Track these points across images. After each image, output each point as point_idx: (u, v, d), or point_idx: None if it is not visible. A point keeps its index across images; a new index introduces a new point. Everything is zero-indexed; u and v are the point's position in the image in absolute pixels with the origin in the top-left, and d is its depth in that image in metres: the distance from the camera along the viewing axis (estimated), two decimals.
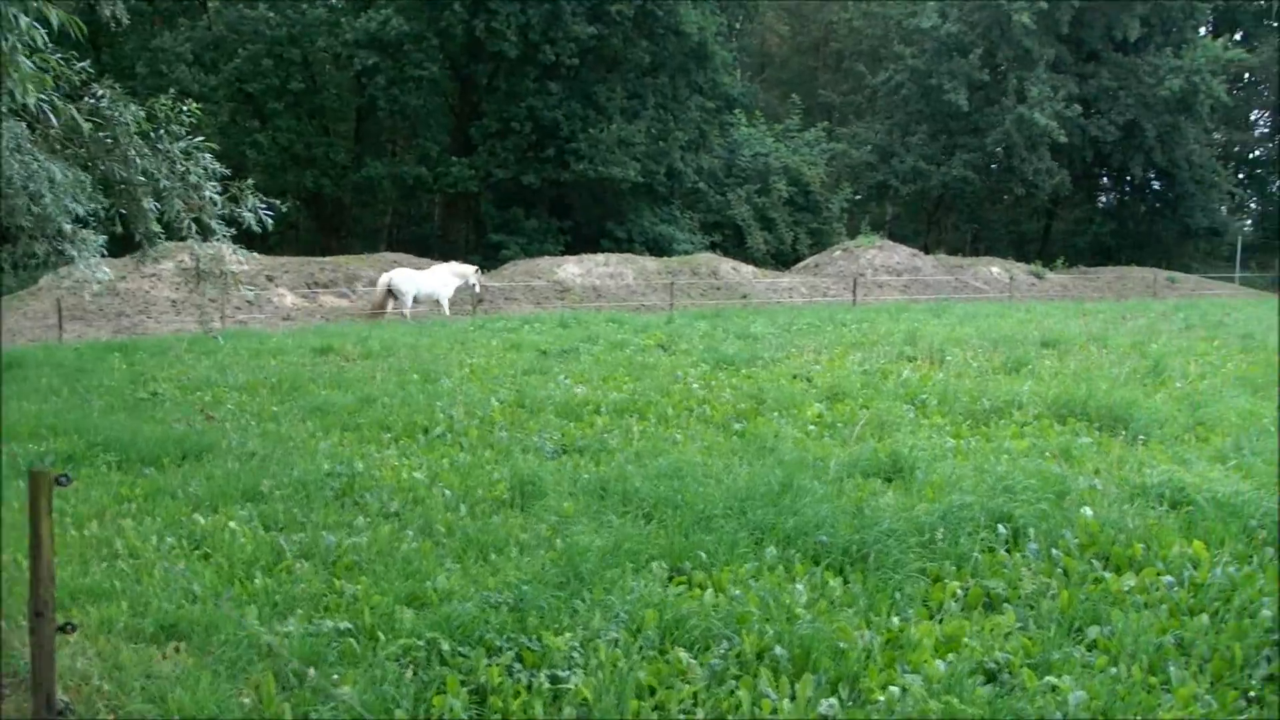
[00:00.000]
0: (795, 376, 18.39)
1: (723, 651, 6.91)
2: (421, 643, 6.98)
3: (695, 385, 17.30)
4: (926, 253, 59.75)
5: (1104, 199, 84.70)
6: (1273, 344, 23.34)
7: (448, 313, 37.13)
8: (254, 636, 7.05)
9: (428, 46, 54.01)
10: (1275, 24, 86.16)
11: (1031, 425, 14.00)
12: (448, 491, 10.52)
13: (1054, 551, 8.62)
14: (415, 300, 36.75)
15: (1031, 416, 14.48)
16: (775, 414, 14.82)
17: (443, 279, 37.79)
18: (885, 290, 51.60)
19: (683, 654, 6.85)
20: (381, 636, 7.12)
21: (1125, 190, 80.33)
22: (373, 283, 40.85)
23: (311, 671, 6.57)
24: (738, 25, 74.25)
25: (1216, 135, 79.72)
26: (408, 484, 10.82)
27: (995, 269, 57.75)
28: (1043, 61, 66.35)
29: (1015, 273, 57.15)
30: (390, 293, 36.62)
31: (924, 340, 23.47)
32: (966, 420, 14.53)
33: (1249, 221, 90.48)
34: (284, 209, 18.18)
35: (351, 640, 7.08)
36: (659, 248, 56.45)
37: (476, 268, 40.05)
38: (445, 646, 6.93)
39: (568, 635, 7.03)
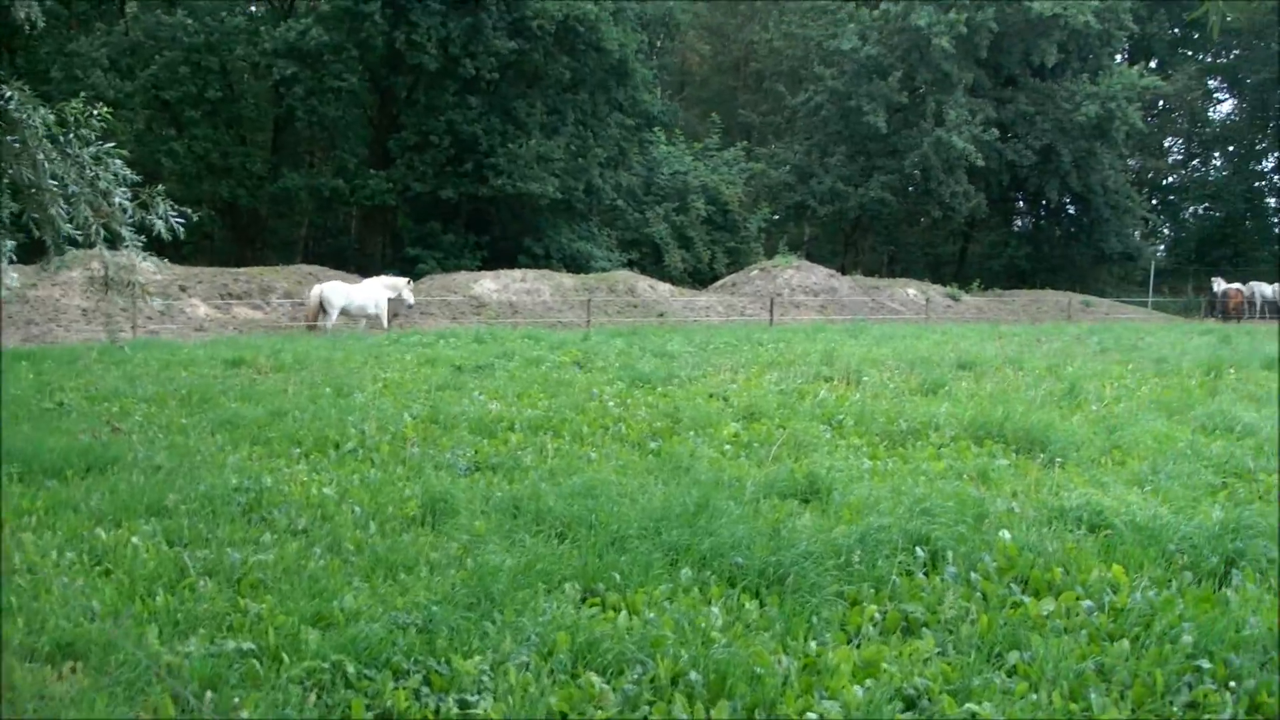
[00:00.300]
0: (712, 395, 18.29)
1: (636, 676, 6.74)
2: (326, 665, 6.76)
3: (611, 403, 17.14)
4: (843, 273, 60.01)
5: (1020, 222, 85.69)
6: (1186, 368, 23.47)
7: (385, 326, 37.01)
8: (154, 657, 6.83)
9: (347, 57, 53.70)
10: (1189, 53, 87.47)
11: (949, 447, 13.94)
12: (357, 508, 10.30)
13: (973, 575, 8.51)
14: (347, 314, 36.63)
15: (948, 438, 14.41)
16: (691, 433, 14.69)
17: (375, 292, 37.68)
18: (802, 310, 51.75)
19: (595, 679, 6.67)
20: (285, 658, 6.89)
21: (1041, 214, 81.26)
22: (288, 295, 40.66)
23: (210, 694, 6.38)
24: (659, 43, 74.32)
25: (1131, 161, 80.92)
26: (317, 500, 10.59)
27: (912, 290, 58.12)
28: (961, 85, 66.89)
29: (931, 294, 57.54)
30: (322, 305, 36.40)
31: (841, 361, 23.44)
32: (883, 441, 14.46)
33: (1162, 247, 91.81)
34: (196, 217, 17.93)
35: (254, 661, 6.84)
36: (576, 264, 56.40)
37: (409, 280, 39.96)
38: (351, 669, 6.72)
39: (477, 658, 6.85)
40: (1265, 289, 63.66)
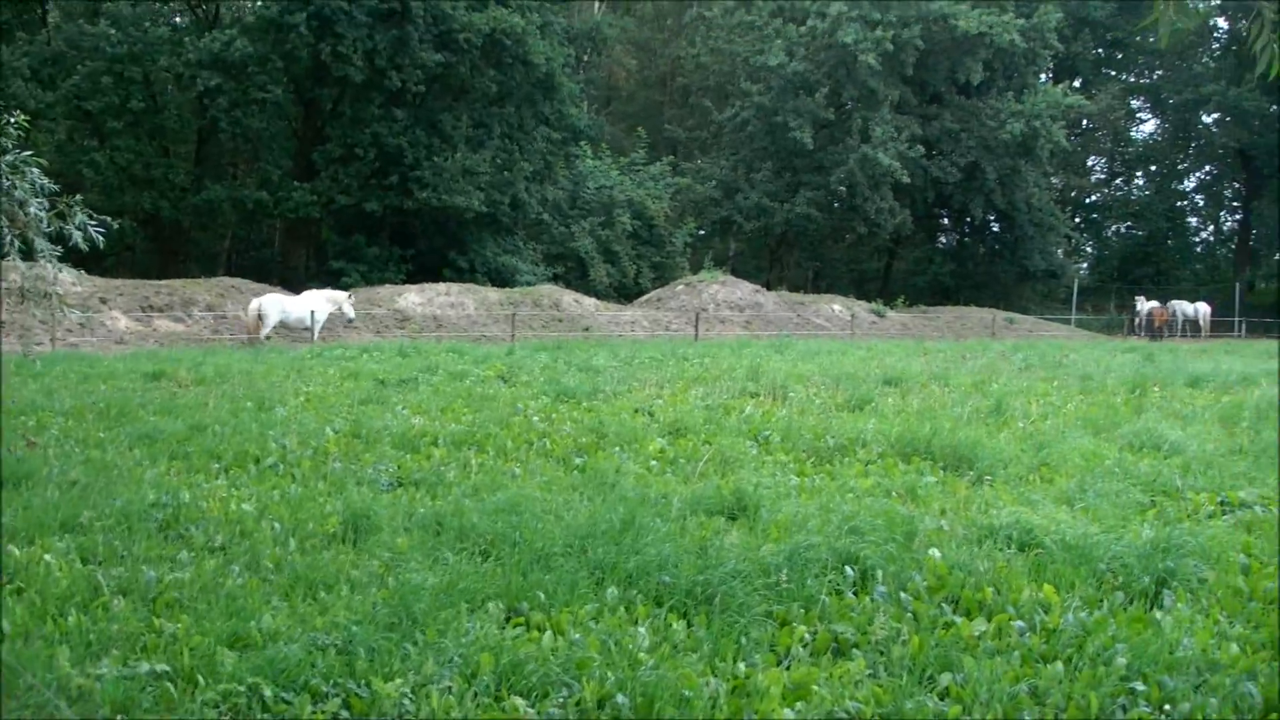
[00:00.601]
0: (637, 411, 18.17)
1: (562, 700, 6.60)
2: (243, 688, 6.55)
3: (536, 418, 17.01)
4: (769, 289, 60.17)
5: (944, 239, 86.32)
6: (1111, 385, 23.57)
7: (315, 338, 36.79)
8: (64, 679, 6.63)
9: (272, 69, 53.26)
10: (1113, 72, 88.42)
11: (876, 464, 13.87)
12: (277, 525, 10.09)
13: (903, 595, 8.41)
14: (285, 326, 36.48)
15: (876, 455, 14.35)
16: (617, 449, 14.57)
17: (315, 304, 37.59)
18: (727, 325, 51.79)
19: (520, 702, 6.53)
20: (201, 680, 6.68)
21: (965, 231, 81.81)
22: (210, 307, 40.40)
23: (120, 719, 6.20)
24: (585, 58, 74.19)
25: (1055, 180, 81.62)
26: (235, 516, 10.36)
27: (837, 306, 58.34)
28: (887, 102, 67.23)
29: (856, 310, 57.75)
30: (259, 316, 36.26)
31: (767, 376, 23.41)
32: (810, 458, 14.38)
33: (1085, 265, 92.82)
34: (117, 228, 17.67)
35: (169, 684, 6.64)
36: (501, 278, 56.19)
37: (349, 293, 39.92)
38: (268, 692, 6.52)
39: (398, 681, 6.66)
40: (1186, 307, 64.56)
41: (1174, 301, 65.51)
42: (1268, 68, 7.33)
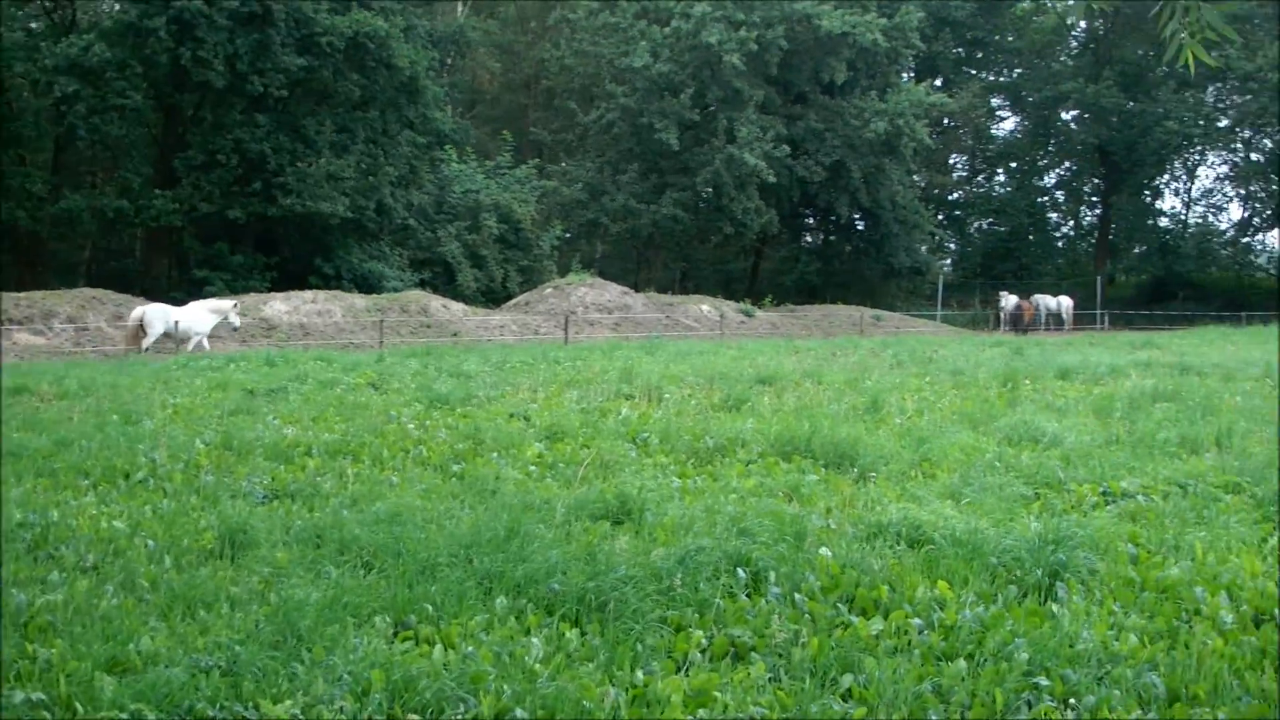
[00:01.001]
0: (512, 415, 17.98)
1: (459, 716, 6.42)
2: (125, 715, 6.30)
3: (410, 425, 16.77)
4: (637, 290, 60.13)
5: (810, 238, 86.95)
6: (983, 380, 23.75)
7: (206, 348, 36.27)
8: None
9: (131, 74, 52.30)
10: (973, 71, 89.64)
11: (757, 463, 13.83)
12: (151, 542, 9.77)
13: (797, 596, 8.31)
14: (169, 337, 36.00)
15: (756, 454, 14.30)
16: (495, 454, 14.41)
17: (199, 315, 37.32)
18: (597, 328, 51.73)
19: (415, 719, 6.36)
20: (80, 708, 6.44)
21: (831, 230, 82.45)
22: (71, 319, 39.71)
23: None
24: (449, 61, 73.84)
25: (918, 177, 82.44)
26: (107, 534, 10.02)
27: (705, 307, 58.47)
28: (752, 103, 67.54)
29: (725, 310, 57.95)
30: (142, 327, 35.74)
31: (640, 378, 23.32)
32: (691, 459, 14.31)
33: (949, 262, 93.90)
34: None
35: (45, 714, 6.39)
36: (368, 285, 55.72)
37: (235, 302, 39.46)
38: (151, 718, 6.29)
39: (287, 702, 6.43)
40: (1049, 302, 65.63)
41: (1037, 296, 66.57)
42: (1177, 54, 7.29)
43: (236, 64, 51.79)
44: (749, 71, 66.42)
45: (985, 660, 7.23)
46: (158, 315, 36.34)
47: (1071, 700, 6.73)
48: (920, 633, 7.70)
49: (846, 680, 6.96)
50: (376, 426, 16.72)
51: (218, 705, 6.46)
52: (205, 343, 36.81)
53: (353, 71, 56.12)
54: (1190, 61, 7.40)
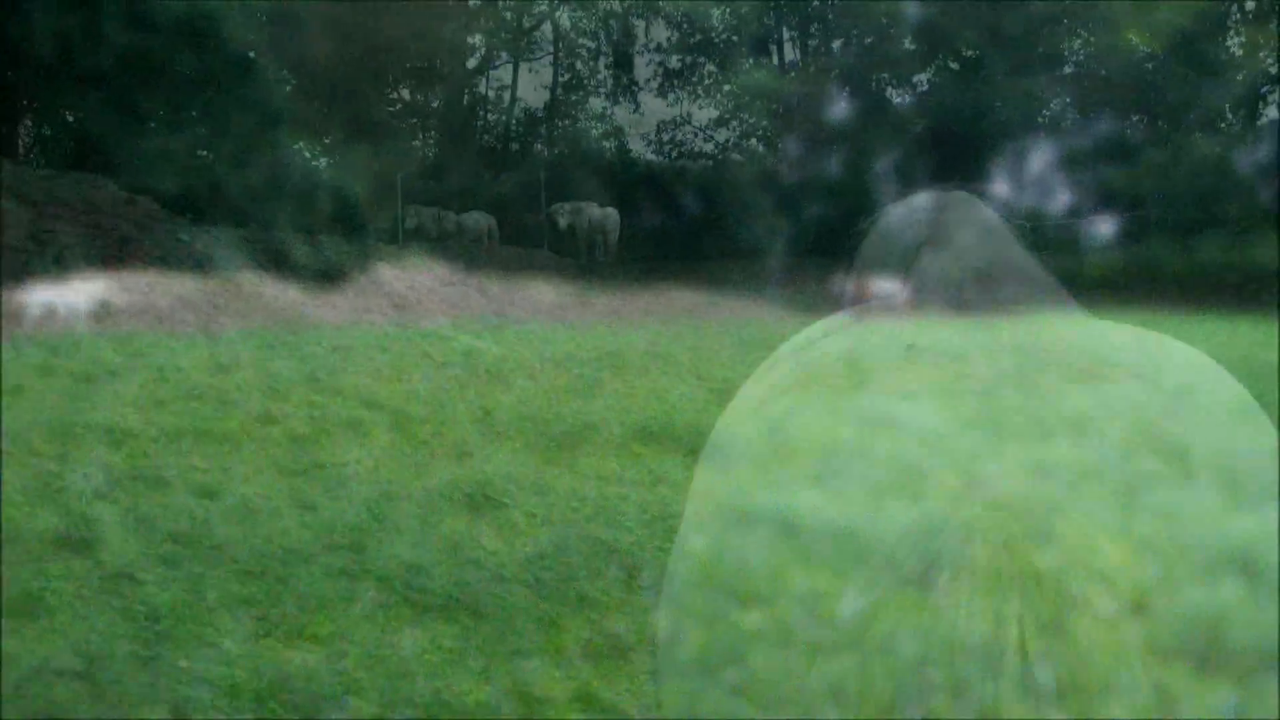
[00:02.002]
0: (358, 400, 17.65)
1: (336, 719, 6.16)
2: None
3: (252, 410, 16.38)
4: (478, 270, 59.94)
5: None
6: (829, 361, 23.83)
7: None
8: None
9: None
10: (811, 50, 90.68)
11: (617, 449, 13.63)
12: None
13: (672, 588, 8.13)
14: None
15: (614, 439, 14.12)
16: (342, 440, 14.08)
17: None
18: (437, 309, 51.36)
19: None
20: None
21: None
22: None
23: None
24: (286, 39, 73.00)
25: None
26: None
27: (549, 287, 58.31)
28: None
29: (566, 292, 57.78)
30: None
31: (485, 359, 23.09)
32: (547, 445, 14.09)
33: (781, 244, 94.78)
34: None
35: None
36: (199, 265, 54.72)
37: None
38: None
39: (155, 706, 6.14)
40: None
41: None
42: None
43: (67, 40, 50.71)
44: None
45: (872, 653, 7.09)
46: None
47: (963, 693, 6.60)
48: (802, 626, 7.54)
49: (732, 675, 6.78)
50: (217, 412, 16.31)
51: (79, 710, 6.12)
52: None
53: (186, 48, 55.25)
54: None
